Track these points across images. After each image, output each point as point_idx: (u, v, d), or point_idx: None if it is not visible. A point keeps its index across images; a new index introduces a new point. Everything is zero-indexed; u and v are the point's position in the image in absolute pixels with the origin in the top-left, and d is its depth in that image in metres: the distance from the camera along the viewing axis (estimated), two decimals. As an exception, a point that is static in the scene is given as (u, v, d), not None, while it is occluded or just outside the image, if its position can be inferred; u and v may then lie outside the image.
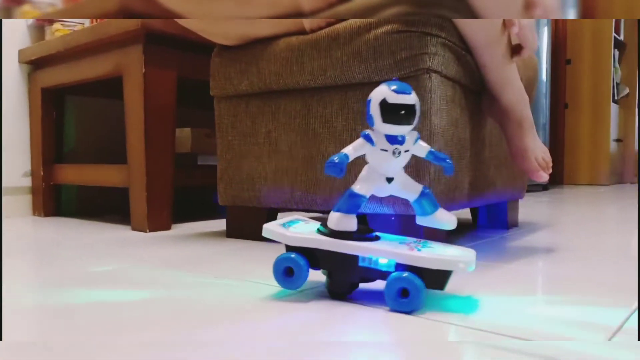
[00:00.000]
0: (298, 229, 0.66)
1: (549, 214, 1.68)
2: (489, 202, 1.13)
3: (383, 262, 0.61)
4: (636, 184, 3.11)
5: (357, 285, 0.65)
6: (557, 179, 4.13)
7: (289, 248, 0.65)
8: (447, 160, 0.64)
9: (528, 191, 2.94)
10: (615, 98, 4.22)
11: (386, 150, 0.61)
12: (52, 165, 1.58)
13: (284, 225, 0.68)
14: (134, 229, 1.25)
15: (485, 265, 0.83)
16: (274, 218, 1.14)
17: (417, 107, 0.60)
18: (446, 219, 0.65)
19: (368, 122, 0.61)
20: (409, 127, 0.61)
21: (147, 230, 1.22)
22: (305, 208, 1.03)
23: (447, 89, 0.90)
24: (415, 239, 0.67)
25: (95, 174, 1.41)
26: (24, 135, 1.61)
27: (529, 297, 0.64)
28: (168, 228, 1.26)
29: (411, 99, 0.60)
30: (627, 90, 4.35)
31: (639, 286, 0.64)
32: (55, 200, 1.60)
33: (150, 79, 1.22)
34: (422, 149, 0.64)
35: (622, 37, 4.33)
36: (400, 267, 0.60)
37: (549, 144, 3.16)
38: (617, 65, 4.27)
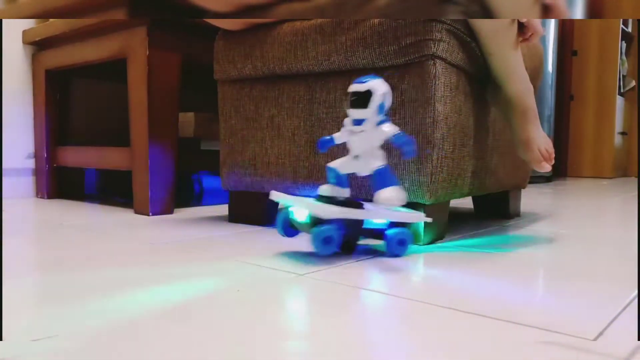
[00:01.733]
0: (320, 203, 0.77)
1: (551, 205, 1.68)
2: (491, 191, 1.13)
3: (379, 221, 0.78)
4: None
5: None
6: (561, 171, 4.12)
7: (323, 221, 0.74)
8: (409, 145, 0.73)
9: (531, 183, 2.94)
10: (622, 91, 4.19)
11: (351, 131, 0.76)
12: (55, 147, 1.58)
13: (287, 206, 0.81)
14: (136, 212, 1.26)
15: (485, 253, 0.83)
16: (276, 204, 1.14)
17: (373, 94, 0.72)
18: (383, 197, 0.74)
19: None
20: (364, 111, 0.73)
21: (150, 214, 1.22)
22: (308, 194, 1.03)
23: (451, 75, 0.89)
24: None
25: (99, 156, 1.41)
26: (28, 116, 1.61)
27: (526, 284, 0.65)
28: (170, 212, 1.27)
29: (363, 86, 0.72)
30: (633, 83, 4.32)
31: (639, 286, 0.64)
32: (58, 182, 1.60)
33: (154, 62, 1.22)
34: (382, 132, 0.74)
35: (629, 29, 4.30)
36: (392, 224, 0.79)
37: (553, 135, 3.15)
38: (624, 57, 4.24)
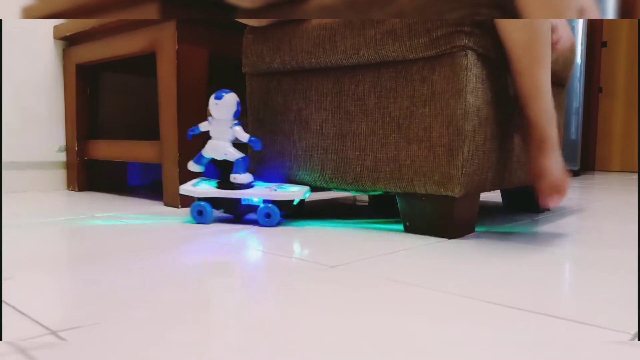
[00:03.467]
0: (203, 186, 1.03)
1: (581, 199, 1.65)
2: (522, 184, 1.12)
3: (255, 200, 1.01)
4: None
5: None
6: (589, 165, 4.05)
7: (198, 199, 1.02)
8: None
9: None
10: (653, 83, 4.09)
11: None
12: (86, 140, 1.61)
13: (193, 185, 1.04)
14: (166, 204, 1.28)
15: (516, 246, 0.83)
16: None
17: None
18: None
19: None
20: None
21: (179, 206, 1.24)
22: (336, 187, 1.03)
23: (483, 67, 0.88)
24: (276, 183, 1.04)
25: (129, 149, 1.44)
26: (59, 111, 1.65)
27: (560, 278, 0.64)
28: (199, 204, 1.28)
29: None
30: (665, 75, 4.20)
31: (639, 285, 0.63)
32: (89, 174, 1.64)
33: (184, 56, 1.23)
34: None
35: (662, 20, 4.18)
36: (266, 201, 0.99)
37: (581, 128, 3.09)
38: (655, 48, 4.13)
